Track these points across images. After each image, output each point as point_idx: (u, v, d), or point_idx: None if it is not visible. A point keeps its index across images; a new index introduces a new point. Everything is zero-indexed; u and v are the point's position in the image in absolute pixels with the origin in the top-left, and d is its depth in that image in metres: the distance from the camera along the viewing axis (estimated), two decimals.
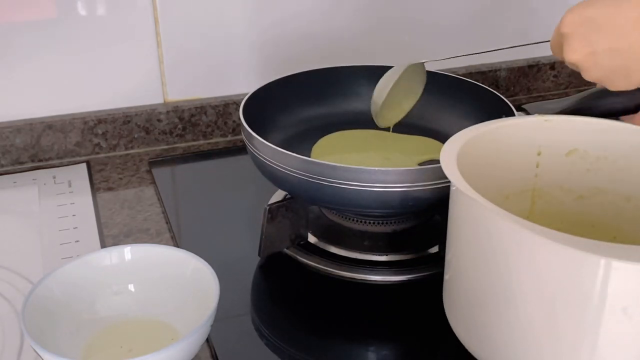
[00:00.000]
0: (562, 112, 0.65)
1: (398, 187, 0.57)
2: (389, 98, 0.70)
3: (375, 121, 0.72)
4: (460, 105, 0.77)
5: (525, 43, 0.67)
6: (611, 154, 0.58)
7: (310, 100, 0.80)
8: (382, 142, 0.76)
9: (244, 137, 0.66)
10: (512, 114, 0.66)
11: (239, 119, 0.66)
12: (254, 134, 0.63)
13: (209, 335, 0.53)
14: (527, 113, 0.66)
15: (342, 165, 0.57)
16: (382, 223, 0.67)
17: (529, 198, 0.61)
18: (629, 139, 0.57)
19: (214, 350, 0.55)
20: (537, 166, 0.60)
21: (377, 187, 0.57)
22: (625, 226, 0.58)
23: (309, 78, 0.79)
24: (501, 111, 0.68)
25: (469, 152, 0.54)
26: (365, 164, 0.58)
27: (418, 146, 0.75)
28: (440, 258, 0.64)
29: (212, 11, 0.89)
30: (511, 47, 0.68)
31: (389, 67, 0.73)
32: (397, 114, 0.74)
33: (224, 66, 0.92)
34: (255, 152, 0.63)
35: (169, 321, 0.55)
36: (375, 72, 0.74)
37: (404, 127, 0.76)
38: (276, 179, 0.63)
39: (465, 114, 0.75)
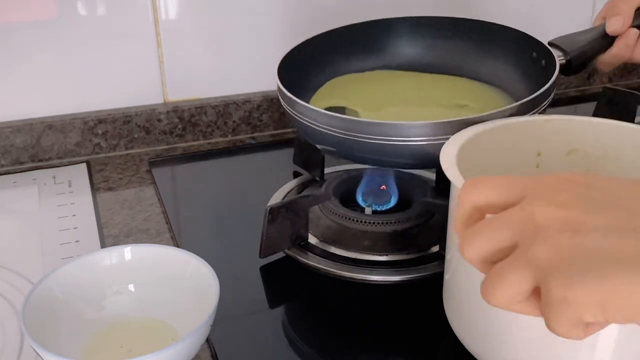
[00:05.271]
0: (592, 42, 0.71)
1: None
2: None
3: None
4: (489, 48, 0.78)
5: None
6: (611, 154, 0.58)
7: (341, 57, 0.81)
8: (411, 88, 0.78)
9: (282, 101, 0.68)
10: (544, 50, 0.69)
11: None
12: (294, 97, 0.65)
13: (209, 335, 0.53)
14: (557, 47, 0.69)
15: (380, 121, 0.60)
16: (382, 223, 0.66)
17: None
18: (629, 139, 0.57)
19: (214, 350, 0.55)
20: (537, 166, 0.60)
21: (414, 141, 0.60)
22: None
23: (338, 35, 0.80)
24: (532, 49, 0.71)
25: (469, 152, 0.54)
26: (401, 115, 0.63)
27: (448, 90, 0.77)
28: (440, 258, 0.64)
29: (211, 11, 0.89)
30: None
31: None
32: None
33: (224, 66, 0.92)
34: (297, 115, 0.66)
35: (169, 321, 0.55)
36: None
37: (433, 67, 0.79)
38: (317, 139, 0.66)
39: (495, 56, 0.77)
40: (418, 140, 0.60)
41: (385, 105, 0.76)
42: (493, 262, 0.34)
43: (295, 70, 0.74)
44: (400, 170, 0.76)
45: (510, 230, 0.33)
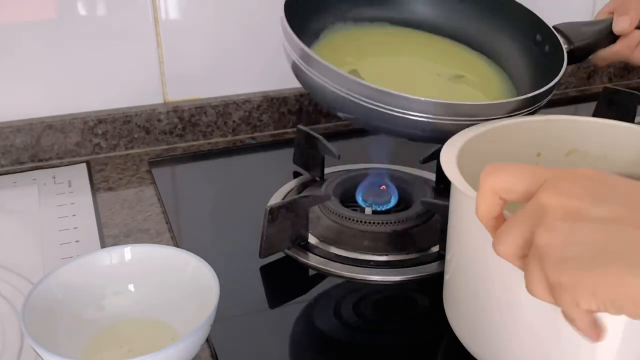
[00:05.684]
0: (596, 35, 0.70)
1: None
2: None
3: None
4: (493, 20, 0.77)
5: None
6: (611, 154, 0.58)
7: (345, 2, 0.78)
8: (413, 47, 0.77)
9: (294, 55, 0.65)
10: (550, 36, 0.68)
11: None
12: (312, 54, 0.61)
13: (209, 335, 0.53)
14: (562, 34, 0.68)
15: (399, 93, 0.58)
16: (382, 223, 0.67)
17: None
18: (629, 139, 0.57)
19: (214, 350, 0.55)
20: None
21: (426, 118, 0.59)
22: None
23: None
24: (537, 31, 0.70)
25: (469, 152, 0.54)
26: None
27: (447, 56, 0.75)
28: (440, 258, 0.64)
29: (211, 11, 0.89)
30: None
31: None
32: None
33: (224, 66, 0.92)
34: (313, 73, 0.62)
35: (169, 321, 0.55)
36: None
37: (435, 28, 0.77)
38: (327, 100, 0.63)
39: (498, 29, 0.76)
40: (424, 117, 0.58)
41: (376, 55, 0.74)
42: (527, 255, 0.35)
43: (299, 15, 0.70)
44: (400, 170, 0.76)
45: (526, 222, 0.34)
